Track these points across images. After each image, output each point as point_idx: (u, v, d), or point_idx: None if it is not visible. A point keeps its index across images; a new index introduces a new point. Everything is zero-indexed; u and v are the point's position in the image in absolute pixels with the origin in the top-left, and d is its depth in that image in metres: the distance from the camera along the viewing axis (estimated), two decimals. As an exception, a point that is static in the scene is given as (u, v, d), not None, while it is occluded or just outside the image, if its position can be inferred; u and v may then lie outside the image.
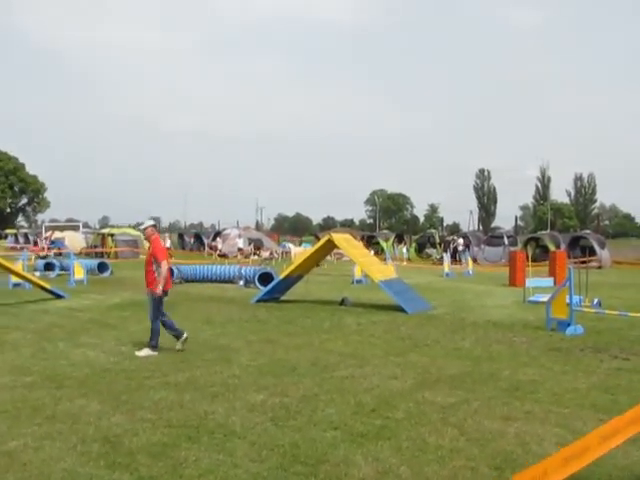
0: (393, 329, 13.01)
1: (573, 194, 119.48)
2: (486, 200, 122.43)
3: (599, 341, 11.56)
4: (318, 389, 8.01)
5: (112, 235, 48.86)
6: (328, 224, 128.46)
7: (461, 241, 43.45)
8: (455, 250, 41.70)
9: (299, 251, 38.55)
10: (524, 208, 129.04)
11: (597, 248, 37.83)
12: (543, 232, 50.91)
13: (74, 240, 51.20)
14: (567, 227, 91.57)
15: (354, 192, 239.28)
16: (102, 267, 28.38)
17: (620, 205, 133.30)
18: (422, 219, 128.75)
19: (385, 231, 65.75)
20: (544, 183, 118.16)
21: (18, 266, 20.14)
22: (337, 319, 14.42)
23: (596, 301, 16.55)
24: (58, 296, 18.23)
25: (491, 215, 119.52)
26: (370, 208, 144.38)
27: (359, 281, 24.29)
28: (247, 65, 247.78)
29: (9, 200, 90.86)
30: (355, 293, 19.94)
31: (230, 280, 23.98)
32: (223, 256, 43.36)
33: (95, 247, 49.58)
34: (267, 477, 5.20)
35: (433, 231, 59.49)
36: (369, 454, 5.71)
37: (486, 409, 7.16)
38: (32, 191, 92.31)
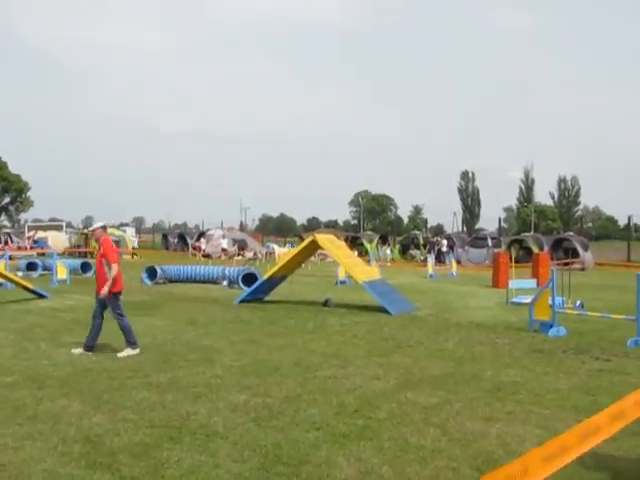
0: (376, 330, 13.04)
1: (557, 196, 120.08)
2: (470, 202, 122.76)
3: (581, 342, 11.64)
4: (301, 389, 8.02)
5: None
6: (312, 225, 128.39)
7: (445, 242, 43.58)
8: (439, 251, 41.83)
9: (283, 252, 38.52)
10: (508, 210, 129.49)
11: (580, 250, 38.03)
12: (527, 234, 51.11)
13: (57, 240, 50.92)
14: (550, 229, 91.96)
15: (338, 193, 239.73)
16: (85, 267, 28.21)
17: (603, 207, 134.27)
18: (406, 220, 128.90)
19: (369, 232, 65.77)
20: (528, 185, 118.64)
21: (0, 266, 19.99)
22: (320, 320, 14.43)
23: (578, 303, 16.64)
24: (41, 296, 18.12)
25: (475, 217, 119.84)
26: (354, 209, 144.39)
27: (343, 282, 24.30)
28: (232, 65, 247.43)
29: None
30: (339, 294, 19.96)
31: (214, 280, 23.95)
32: (207, 256, 43.29)
33: (79, 247, 49.31)
34: (249, 477, 5.20)
35: (417, 232, 59.67)
36: (351, 454, 5.72)
37: (468, 410, 7.19)
38: (15, 190, 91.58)
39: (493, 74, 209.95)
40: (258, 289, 17.86)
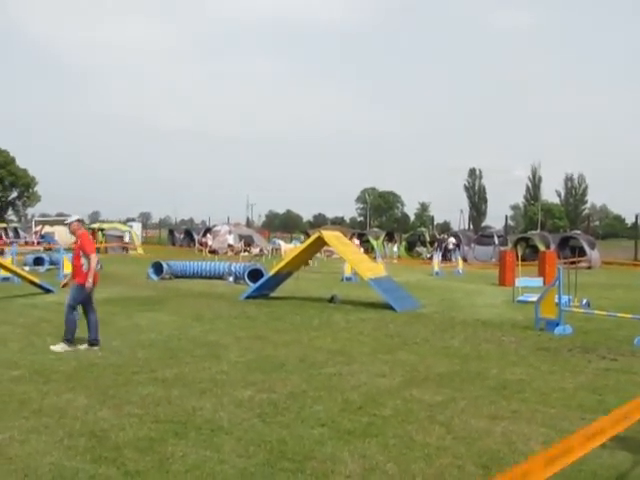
0: (382, 327, 13.03)
1: (563, 194, 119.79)
2: (477, 199, 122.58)
3: (587, 341, 11.61)
4: (306, 386, 8.02)
5: (102, 230, 48.68)
6: (319, 221, 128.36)
7: (451, 240, 43.50)
8: (445, 249, 41.76)
9: (289, 248, 38.53)
10: (515, 208, 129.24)
11: (587, 248, 37.94)
12: (533, 232, 50.99)
13: (64, 235, 51.02)
14: (557, 227, 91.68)
15: (345, 190, 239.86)
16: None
17: (611, 206, 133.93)
18: (412, 217, 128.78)
19: (375, 229, 65.64)
20: (535, 183, 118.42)
21: (7, 260, 20.05)
22: (326, 316, 14.43)
23: (585, 301, 16.60)
24: (47, 290, 18.15)
25: (482, 214, 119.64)
26: (361, 206, 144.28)
27: (349, 279, 24.30)
28: (238, 64, 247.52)
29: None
30: (345, 290, 19.95)
31: (220, 276, 23.95)
32: (213, 252, 43.31)
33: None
34: (254, 473, 5.20)
35: (423, 230, 59.61)
36: (356, 451, 5.72)
37: (473, 408, 7.18)
38: (22, 185, 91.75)
39: (499, 73, 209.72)
40: (264, 285, 17.86)
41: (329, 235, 18.12)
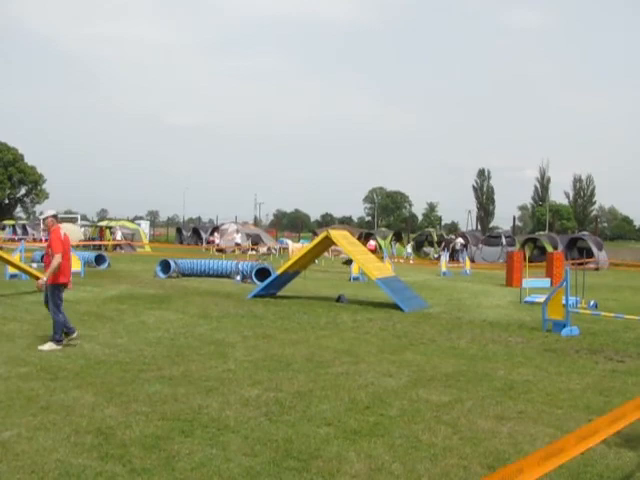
0: (389, 327, 13.03)
1: (572, 196, 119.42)
2: (485, 200, 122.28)
3: (594, 343, 11.58)
4: (312, 385, 8.02)
5: (110, 228, 48.80)
6: (326, 221, 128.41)
7: (459, 240, 43.46)
8: (453, 249, 41.73)
9: (297, 247, 38.56)
10: (523, 209, 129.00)
11: (595, 250, 37.85)
12: (541, 233, 50.93)
13: (72, 232, 51.17)
14: (565, 228, 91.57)
15: (353, 190, 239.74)
16: (99, 259, 28.33)
17: (619, 208, 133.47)
18: (420, 218, 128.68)
19: (383, 229, 65.69)
20: (543, 184, 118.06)
21: (15, 257, 20.10)
22: (333, 316, 14.43)
23: (592, 303, 16.57)
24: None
25: (489, 215, 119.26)
26: (369, 206, 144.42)
27: (356, 278, 24.31)
28: (248, 61, 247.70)
29: (7, 191, 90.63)
30: (352, 290, 19.96)
31: (227, 275, 23.98)
32: (221, 251, 43.38)
33: (93, 239, 49.55)
34: (260, 471, 5.21)
35: (431, 230, 59.53)
36: (362, 451, 5.72)
37: (480, 408, 7.18)
38: (31, 182, 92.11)
39: (508, 73, 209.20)
40: (271, 284, 17.87)
41: (337, 234, 18.11)
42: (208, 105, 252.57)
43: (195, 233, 59.60)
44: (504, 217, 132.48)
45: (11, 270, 20.71)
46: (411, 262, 41.43)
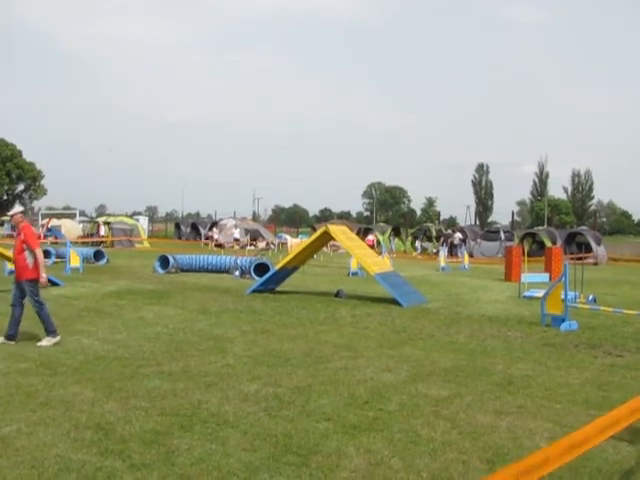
0: (388, 322, 13.03)
1: (570, 190, 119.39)
2: (483, 195, 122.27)
3: (593, 337, 11.60)
4: (312, 380, 8.03)
5: (108, 223, 48.75)
6: (325, 216, 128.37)
7: (458, 235, 43.45)
8: (451, 244, 41.73)
9: (296, 242, 38.55)
10: (521, 203, 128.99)
11: (593, 244, 37.84)
12: (540, 228, 50.90)
13: (71, 228, 51.14)
14: (564, 223, 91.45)
15: (351, 185, 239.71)
16: (98, 255, 28.32)
17: (618, 202, 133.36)
18: (419, 212, 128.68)
19: (382, 224, 65.63)
20: (542, 179, 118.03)
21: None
22: (332, 311, 14.44)
23: (591, 297, 16.59)
24: (54, 284, 18.18)
25: (488, 210, 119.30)
26: (367, 201, 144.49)
27: (355, 273, 24.30)
28: (245, 57, 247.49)
29: (6, 187, 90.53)
30: (351, 285, 19.97)
31: (226, 270, 23.98)
32: (219, 246, 43.38)
33: (92, 235, 49.48)
34: (259, 466, 5.21)
35: (429, 225, 59.49)
36: (361, 445, 5.73)
37: (479, 403, 7.18)
38: (29, 178, 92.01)
39: (507, 68, 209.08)
40: (270, 279, 17.87)
41: (335, 229, 18.11)
42: (207, 102, 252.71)
43: (194, 228, 59.55)
44: (503, 212, 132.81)
45: (10, 266, 20.66)
46: (419, 257, 41.55)
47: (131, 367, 8.54)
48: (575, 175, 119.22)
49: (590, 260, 34.31)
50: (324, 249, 29.59)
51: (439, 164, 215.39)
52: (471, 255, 37.80)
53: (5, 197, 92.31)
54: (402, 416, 6.64)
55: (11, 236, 47.73)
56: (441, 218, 78.24)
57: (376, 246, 41.40)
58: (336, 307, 15.07)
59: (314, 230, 41.03)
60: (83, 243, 41.76)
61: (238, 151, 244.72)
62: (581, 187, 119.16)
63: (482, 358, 9.63)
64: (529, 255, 23.92)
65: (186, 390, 7.45)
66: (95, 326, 11.77)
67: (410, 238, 52.06)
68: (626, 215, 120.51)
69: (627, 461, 5.49)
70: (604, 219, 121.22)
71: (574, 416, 6.69)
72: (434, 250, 43.42)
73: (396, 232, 53.20)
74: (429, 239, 50.12)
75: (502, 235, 43.14)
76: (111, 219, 52.77)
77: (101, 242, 44.24)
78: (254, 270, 22.25)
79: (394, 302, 15.60)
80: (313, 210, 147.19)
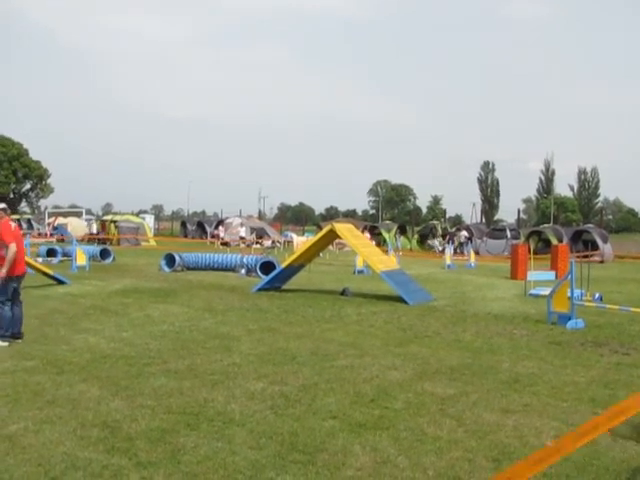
0: (394, 320, 13.03)
1: (576, 188, 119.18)
2: (489, 192, 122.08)
3: (599, 335, 11.57)
4: (318, 378, 8.03)
5: (115, 222, 48.83)
6: (331, 214, 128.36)
7: (464, 233, 43.38)
8: (458, 242, 41.68)
9: (301, 240, 38.54)
10: (527, 201, 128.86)
11: (600, 242, 37.72)
12: (546, 225, 50.78)
13: (77, 226, 51.24)
14: (570, 221, 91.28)
15: (357, 183, 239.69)
16: (104, 254, 28.38)
17: (624, 200, 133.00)
18: (425, 210, 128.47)
19: (388, 222, 65.57)
20: (548, 176, 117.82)
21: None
22: (338, 309, 14.43)
23: (597, 295, 16.54)
24: (60, 282, 18.26)
25: (494, 208, 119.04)
26: (373, 199, 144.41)
27: (361, 271, 24.28)
28: (248, 53, 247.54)
29: (12, 186, 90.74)
30: (357, 283, 19.96)
31: (232, 269, 23.99)
32: (225, 244, 43.41)
33: (98, 233, 49.58)
34: (265, 465, 5.22)
35: (435, 222, 59.42)
36: (367, 444, 5.73)
37: (485, 401, 7.18)
38: (35, 177, 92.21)
39: (513, 65, 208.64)
40: (276, 278, 17.88)
41: (341, 227, 18.10)
42: (212, 98, 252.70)
43: (200, 227, 59.63)
44: (509, 210, 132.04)
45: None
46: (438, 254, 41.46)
47: (137, 365, 8.56)
48: (581, 172, 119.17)
49: (596, 258, 34.20)
50: (330, 247, 29.54)
51: (445, 162, 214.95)
52: (477, 253, 37.74)
53: (12, 196, 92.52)
54: (408, 414, 6.64)
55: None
56: (447, 216, 77.98)
57: (382, 244, 41.41)
58: (342, 305, 15.07)
59: (320, 228, 40.99)
60: (89, 241, 41.84)
61: (243, 149, 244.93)
62: (587, 185, 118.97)
63: (488, 356, 9.62)
64: (535, 253, 23.85)
65: (192, 388, 7.46)
66: (101, 324, 11.79)
67: (417, 236, 51.99)
68: (632, 213, 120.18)
69: (634, 459, 5.48)
70: (610, 217, 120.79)
71: (580, 414, 6.67)
72: (440, 248, 43.31)
73: (402, 230, 53.15)
74: (435, 237, 50.04)
75: (508, 233, 43.04)
76: (117, 217, 52.83)
77: (106, 240, 44.37)
78: (260, 268, 22.26)
79: (400, 300, 15.59)
80: (319, 208, 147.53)
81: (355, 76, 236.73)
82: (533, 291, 17.81)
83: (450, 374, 8.42)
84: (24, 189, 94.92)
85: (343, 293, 17.22)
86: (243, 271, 23.22)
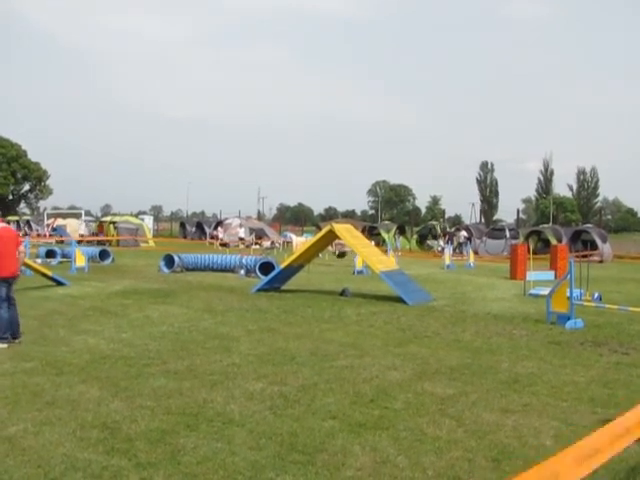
0: (393, 320, 13.03)
1: (575, 188, 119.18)
2: (488, 193, 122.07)
3: (599, 335, 11.57)
4: (317, 378, 8.03)
5: (114, 223, 48.79)
6: (330, 214, 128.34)
7: (463, 233, 43.38)
8: (457, 242, 41.67)
9: (300, 241, 38.52)
10: (526, 201, 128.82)
11: (599, 242, 37.72)
12: (545, 225, 50.76)
13: (76, 228, 51.15)
14: (569, 221, 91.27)
15: (356, 183, 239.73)
16: (104, 255, 28.36)
17: (623, 199, 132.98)
18: (424, 211, 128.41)
19: (387, 222, 65.57)
20: (547, 176, 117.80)
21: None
22: (337, 309, 14.43)
23: (596, 295, 16.54)
24: (59, 283, 18.25)
25: (493, 208, 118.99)
26: (372, 199, 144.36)
27: (360, 272, 24.27)
28: (248, 53, 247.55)
29: (11, 187, 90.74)
30: (356, 284, 19.95)
31: (231, 269, 23.98)
32: (224, 245, 43.38)
33: (97, 235, 49.53)
34: (265, 465, 5.22)
35: (434, 223, 59.42)
36: (367, 444, 5.74)
37: (484, 401, 7.18)
38: (35, 178, 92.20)
39: (513, 65, 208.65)
40: (275, 278, 17.88)
41: (340, 228, 18.10)
42: (212, 98, 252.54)
43: (199, 228, 59.60)
44: (508, 210, 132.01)
45: None
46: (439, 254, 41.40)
47: (137, 366, 8.56)
48: (580, 172, 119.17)
49: (595, 258, 34.18)
50: (329, 248, 29.50)
51: (444, 162, 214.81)
52: (476, 253, 37.73)
53: (11, 197, 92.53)
54: (408, 414, 6.64)
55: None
56: (446, 216, 77.96)
57: (381, 244, 41.40)
58: (341, 306, 15.06)
59: (319, 229, 40.99)
60: (88, 242, 41.81)
61: (243, 150, 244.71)
62: (586, 184, 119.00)
63: (487, 356, 9.62)
64: (534, 253, 23.83)
65: (192, 389, 7.46)
66: (101, 325, 11.79)
67: (416, 236, 51.98)
68: (632, 213, 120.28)
69: (632, 458, 5.47)
70: (609, 217, 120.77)
71: (580, 414, 6.68)
72: (439, 248, 43.29)
73: (401, 230, 53.15)
74: (434, 237, 50.04)
75: (507, 233, 43.03)
76: (117, 218, 52.79)
77: (106, 241, 44.33)
78: (259, 269, 22.27)
79: (399, 300, 15.59)
80: (318, 209, 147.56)
81: (355, 76, 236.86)
82: (532, 291, 17.81)
83: (450, 374, 8.42)
84: (23, 190, 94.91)
85: (342, 293, 17.22)
86: (242, 272, 23.21)
